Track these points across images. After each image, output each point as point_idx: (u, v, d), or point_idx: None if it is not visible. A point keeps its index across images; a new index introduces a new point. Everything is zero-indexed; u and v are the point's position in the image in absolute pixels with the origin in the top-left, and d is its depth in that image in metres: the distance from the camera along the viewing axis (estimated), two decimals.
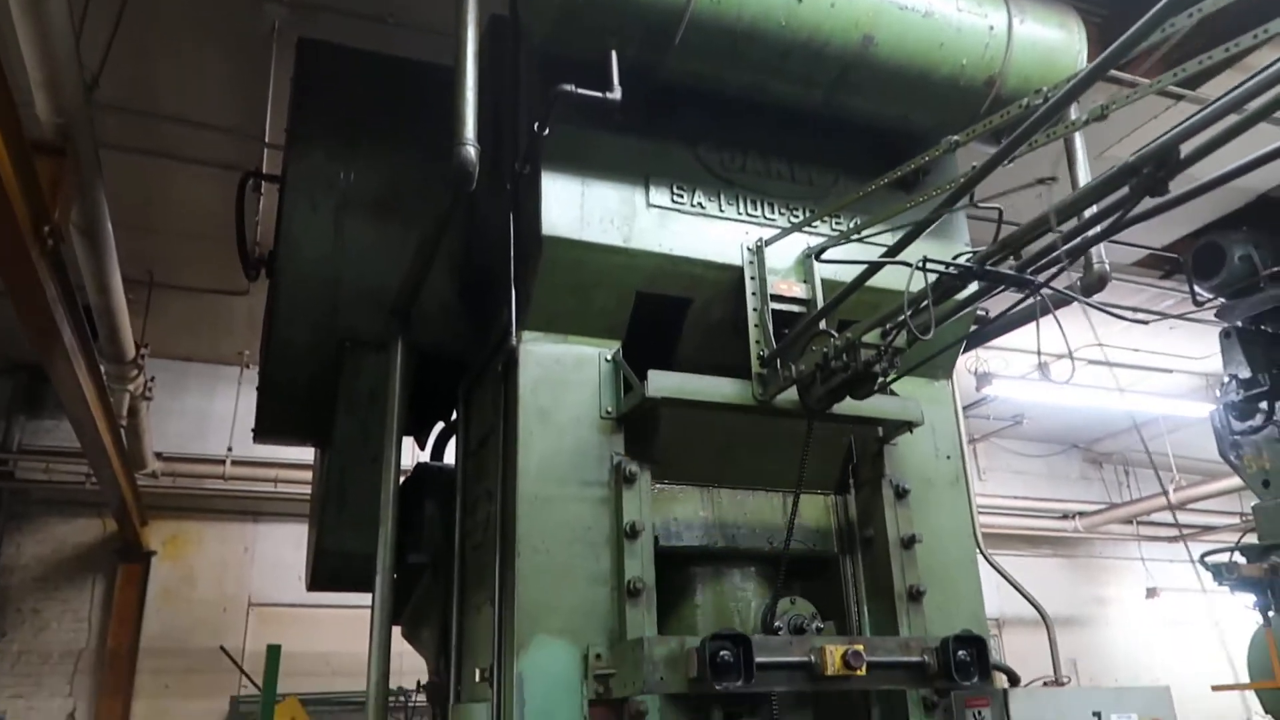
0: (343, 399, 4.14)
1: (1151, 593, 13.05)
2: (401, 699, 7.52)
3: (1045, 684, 3.52)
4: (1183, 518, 13.35)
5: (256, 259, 4.91)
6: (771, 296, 3.57)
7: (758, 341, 3.49)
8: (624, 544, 3.19)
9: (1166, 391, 11.17)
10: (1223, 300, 7.47)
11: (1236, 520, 12.06)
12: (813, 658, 2.84)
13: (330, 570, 4.37)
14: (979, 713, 3.37)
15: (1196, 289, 7.30)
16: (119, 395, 6.97)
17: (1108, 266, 3.86)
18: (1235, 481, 11.03)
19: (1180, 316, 8.09)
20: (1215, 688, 8.69)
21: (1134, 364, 10.81)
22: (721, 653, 2.70)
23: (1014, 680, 3.42)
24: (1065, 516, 13.03)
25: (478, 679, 3.19)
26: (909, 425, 3.65)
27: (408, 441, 4.34)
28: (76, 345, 5.27)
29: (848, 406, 3.32)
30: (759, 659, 2.74)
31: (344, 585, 4.53)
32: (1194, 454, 12.47)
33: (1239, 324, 7.29)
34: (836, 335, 3.07)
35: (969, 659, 2.99)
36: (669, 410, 3.31)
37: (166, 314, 8.54)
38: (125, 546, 9.15)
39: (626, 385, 3.44)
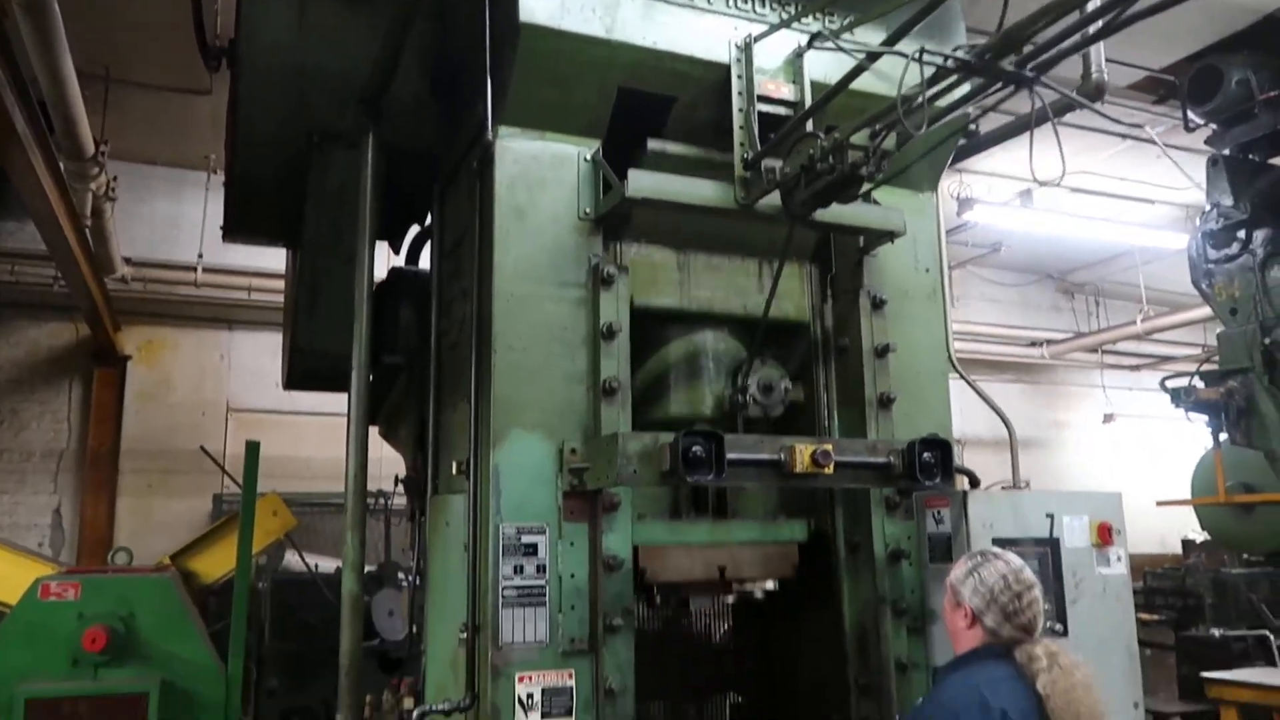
0: (312, 196, 4.02)
1: (1108, 418, 13.53)
2: (381, 500, 7.76)
3: (1004, 488, 3.65)
4: (1146, 348, 13.68)
5: (217, 49, 4.65)
6: (758, 97, 3.44)
7: (742, 144, 3.38)
8: (600, 344, 3.20)
9: (1146, 222, 11.16)
10: (1214, 127, 7.34)
11: (1197, 350, 12.36)
12: (782, 456, 2.90)
13: (305, 369, 4.38)
14: (938, 513, 3.51)
15: (1190, 114, 7.15)
16: (81, 194, 6.75)
17: (1105, 76, 3.73)
18: (1201, 313, 11.24)
19: (1178, 147, 7.98)
20: (1160, 503, 9.15)
21: (1117, 193, 10.74)
22: (694, 448, 2.74)
23: (974, 483, 3.54)
24: (1033, 344, 13.29)
25: (455, 471, 3.25)
26: (890, 235, 3.62)
27: (382, 247, 4.26)
28: (31, 135, 5.05)
29: (830, 214, 3.26)
30: (730, 455, 2.80)
31: (320, 385, 4.56)
32: (1164, 286, 12.64)
33: (1227, 151, 7.20)
34: (824, 136, 2.97)
35: (933, 461, 3.07)
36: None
37: (127, 113, 8.16)
38: (99, 350, 9.14)
39: (606, 185, 3.35)
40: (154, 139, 9.08)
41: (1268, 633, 7.48)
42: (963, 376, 3.86)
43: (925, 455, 3.06)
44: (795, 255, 3.69)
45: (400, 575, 7.39)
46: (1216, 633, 7.81)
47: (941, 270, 3.98)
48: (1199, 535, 11.91)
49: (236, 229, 4.52)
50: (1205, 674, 6.35)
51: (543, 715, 2.94)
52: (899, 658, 3.43)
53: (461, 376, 3.35)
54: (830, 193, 3.01)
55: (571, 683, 2.98)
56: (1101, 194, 10.66)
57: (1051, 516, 3.49)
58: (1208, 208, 7.22)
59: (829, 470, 2.93)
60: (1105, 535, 3.58)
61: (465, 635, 3.04)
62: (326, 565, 7.70)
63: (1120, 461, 13.75)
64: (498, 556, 2.98)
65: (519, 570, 3.00)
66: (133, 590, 4.19)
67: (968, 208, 9.97)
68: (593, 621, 3.03)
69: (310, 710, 7.07)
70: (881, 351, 3.61)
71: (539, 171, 3.34)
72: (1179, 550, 12.58)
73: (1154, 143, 7.71)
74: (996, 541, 3.27)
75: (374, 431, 4.16)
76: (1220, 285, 7.10)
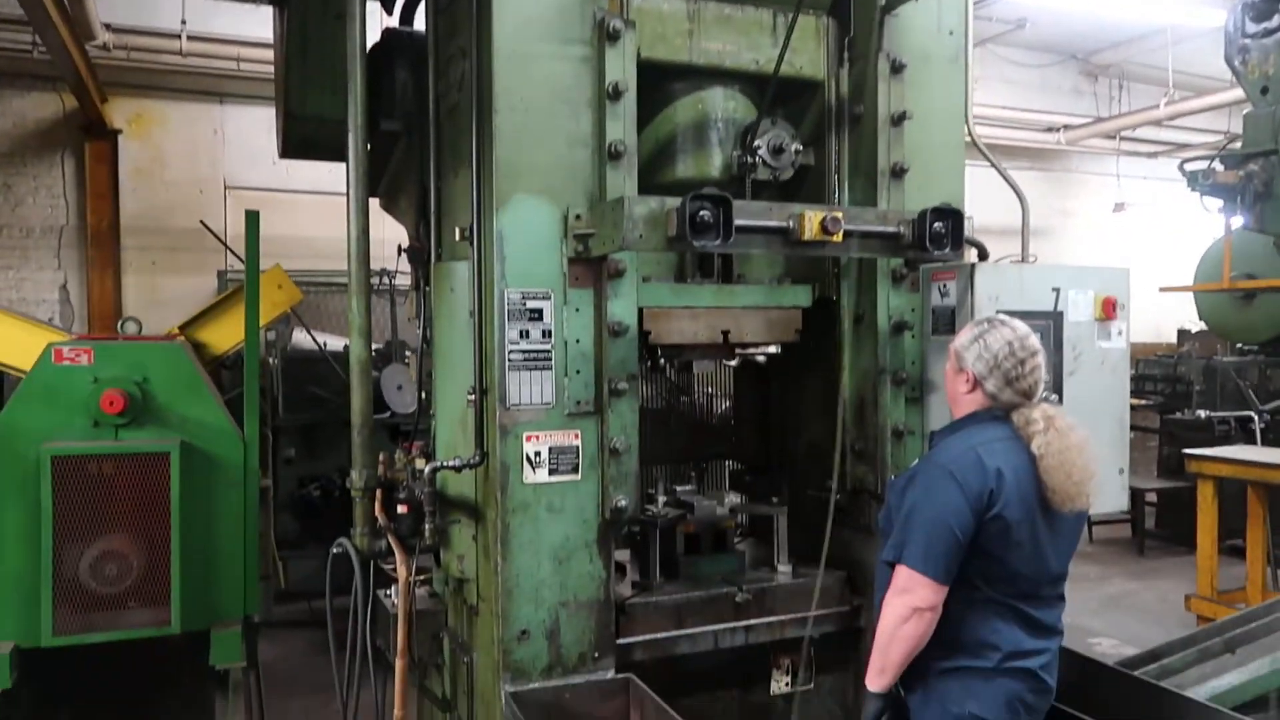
0: None
1: (1119, 207, 13.34)
2: (385, 279, 7.78)
3: (1012, 262, 3.62)
4: (1166, 135, 13.29)
5: None
6: None
7: None
8: (606, 105, 3.07)
9: None
10: None
11: (1219, 138, 12.01)
12: (791, 223, 2.85)
13: (301, 137, 4.25)
14: (944, 285, 3.51)
15: None
16: None
17: None
18: (1228, 96, 10.84)
19: None
20: (1163, 289, 9.18)
21: None
22: (701, 212, 2.68)
23: (983, 255, 3.51)
24: (1050, 129, 12.89)
25: (458, 238, 3.21)
26: None
27: (374, 9, 4.01)
28: None
29: None
30: (738, 221, 2.74)
31: (316, 154, 4.44)
32: (1193, 69, 12.11)
33: None
34: None
35: (944, 231, 3.02)
36: None
37: None
38: (89, 123, 8.88)
39: None
40: None
41: (1252, 413, 7.71)
42: (978, 147, 3.74)
43: (936, 225, 3.01)
44: (812, 7, 3.49)
45: (407, 352, 7.54)
46: (1202, 414, 8.05)
47: (966, 33, 3.76)
48: (1195, 326, 12.07)
49: None
50: (1187, 450, 6.59)
51: (550, 471, 3.05)
52: (895, 425, 3.52)
53: (462, 140, 3.24)
54: None
55: (577, 442, 3.08)
56: None
57: (1058, 290, 3.49)
58: None
59: (837, 238, 2.88)
60: (1109, 310, 3.59)
61: (473, 398, 3.10)
62: (335, 344, 7.84)
63: (1127, 252, 13.69)
64: (503, 321, 2.99)
65: (524, 335, 3.02)
66: (145, 356, 4.24)
67: None
68: (598, 385, 3.09)
69: (327, 477, 7.42)
70: (897, 119, 3.48)
71: None
72: (1174, 341, 12.78)
73: None
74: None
75: (375, 207, 4.10)
76: (1254, 62, 6.76)
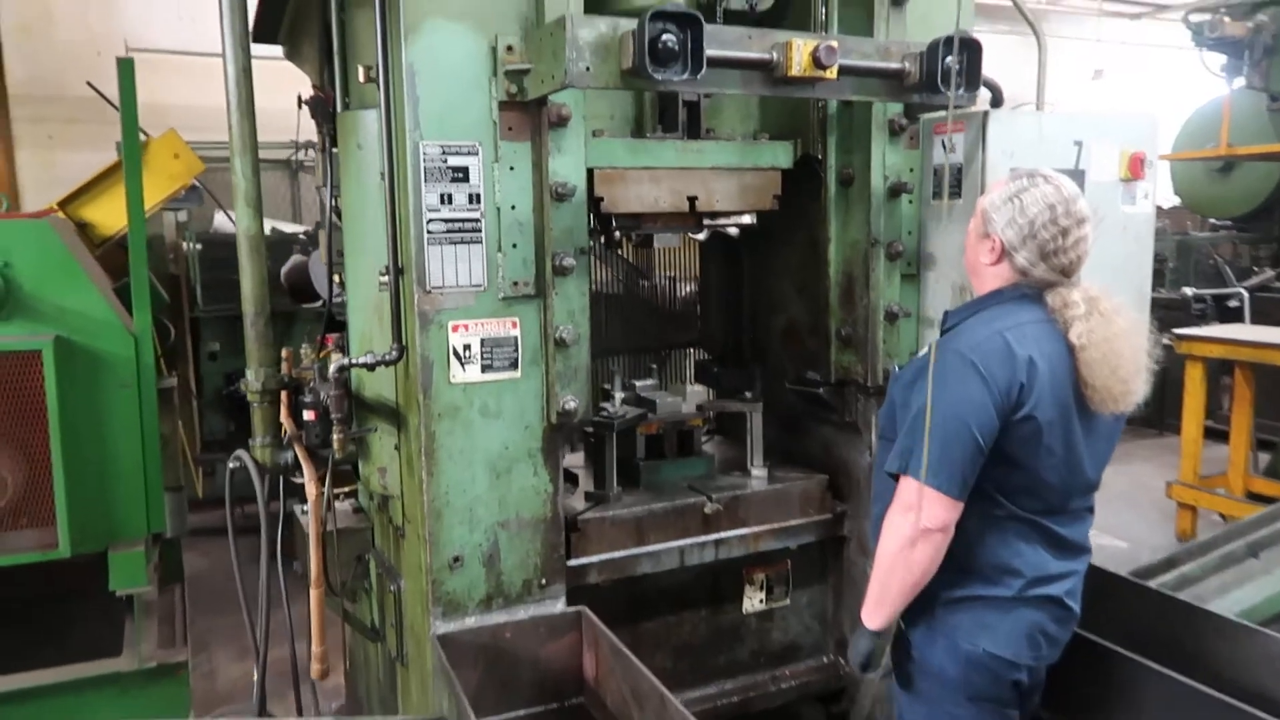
0: None
1: (1098, 74, 12.73)
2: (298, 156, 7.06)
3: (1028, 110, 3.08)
4: None
5: None
6: None
7: None
8: None
9: None
10: None
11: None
12: (775, 55, 2.28)
13: None
14: (949, 140, 2.96)
15: None
16: None
17: None
18: None
19: None
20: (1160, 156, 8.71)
21: None
22: (665, 36, 2.10)
23: (996, 101, 2.96)
24: None
25: (362, 79, 2.58)
26: None
27: None
28: None
29: None
30: (710, 51, 2.17)
31: None
32: None
33: None
34: None
35: (958, 67, 2.47)
36: None
37: None
38: None
39: None
40: None
41: (1241, 289, 7.37)
42: None
43: (949, 60, 2.45)
44: None
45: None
46: (1189, 291, 7.69)
47: None
48: (1168, 202, 11.70)
49: None
50: (1177, 330, 6.22)
51: (483, 368, 2.52)
52: (889, 306, 3.03)
53: None
54: None
55: (516, 332, 2.54)
56: None
57: (1080, 144, 2.97)
58: None
59: (831, 75, 2.32)
60: (1136, 168, 3.09)
61: (387, 279, 2.54)
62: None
63: None
64: (419, 183, 2.40)
65: (447, 200, 2.44)
66: (6, 236, 3.59)
67: None
68: (539, 262, 2.53)
69: None
70: None
71: None
72: None
73: None
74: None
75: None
76: None
